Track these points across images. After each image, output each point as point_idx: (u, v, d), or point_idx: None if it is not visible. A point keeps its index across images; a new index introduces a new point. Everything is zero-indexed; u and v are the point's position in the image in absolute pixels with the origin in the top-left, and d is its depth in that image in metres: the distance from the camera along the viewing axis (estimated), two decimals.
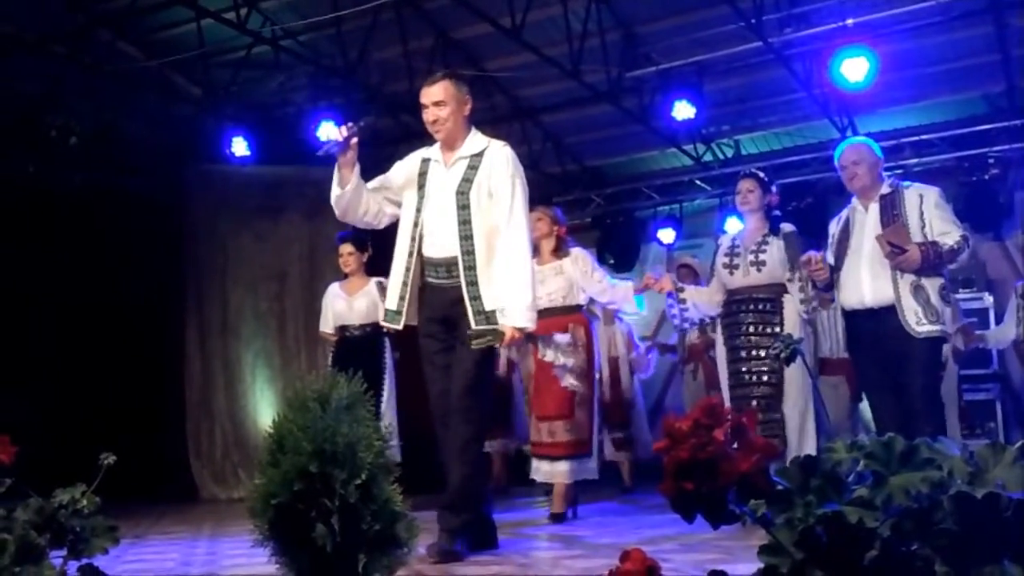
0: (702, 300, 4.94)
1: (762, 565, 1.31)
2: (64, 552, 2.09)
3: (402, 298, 3.78)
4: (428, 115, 3.83)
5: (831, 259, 4.32)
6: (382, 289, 5.71)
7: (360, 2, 6.62)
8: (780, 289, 4.67)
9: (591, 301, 5.41)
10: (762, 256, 4.67)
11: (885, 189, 4.24)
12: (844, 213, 4.43)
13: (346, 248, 5.91)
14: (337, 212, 3.96)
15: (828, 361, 6.73)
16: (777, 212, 4.87)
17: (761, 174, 4.98)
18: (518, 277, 3.72)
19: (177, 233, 8.49)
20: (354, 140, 3.72)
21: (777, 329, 4.61)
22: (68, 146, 7.64)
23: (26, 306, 7.38)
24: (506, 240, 3.73)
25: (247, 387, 8.28)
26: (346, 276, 6.01)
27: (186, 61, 7.49)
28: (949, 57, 7.51)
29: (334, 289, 6.05)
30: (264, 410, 8.00)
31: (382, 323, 3.96)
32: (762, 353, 4.60)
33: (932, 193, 4.19)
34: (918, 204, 4.13)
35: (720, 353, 4.87)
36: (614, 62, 7.59)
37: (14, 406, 5.88)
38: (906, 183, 4.31)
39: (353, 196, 3.85)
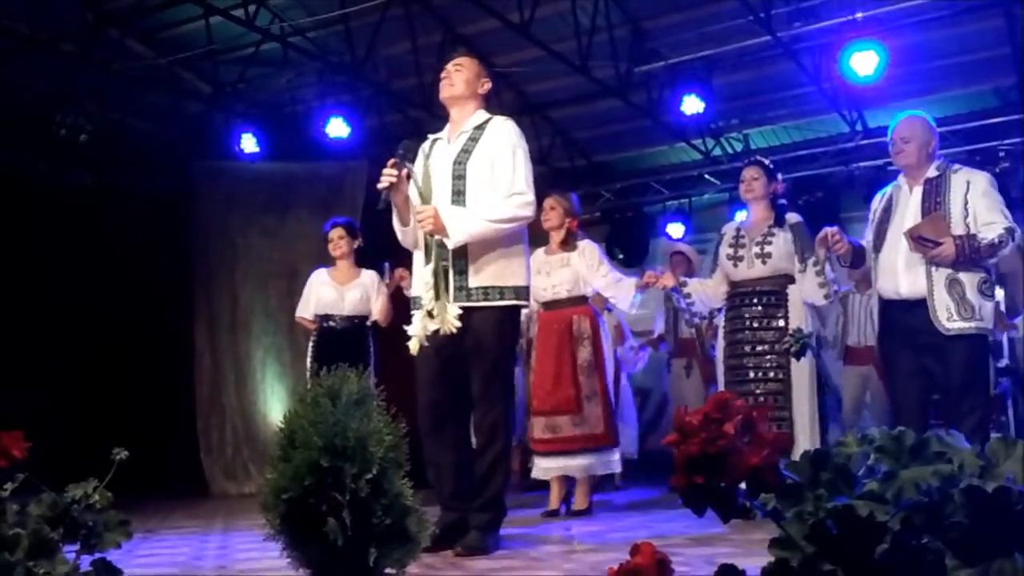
0: (707, 293, 4.84)
1: (772, 559, 1.32)
2: (77, 547, 2.10)
3: (426, 282, 3.61)
4: (444, 74, 3.81)
5: (870, 237, 4.15)
6: (375, 282, 5.62)
7: None
8: (785, 281, 4.58)
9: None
10: (767, 248, 4.57)
11: (932, 172, 4.02)
12: (888, 190, 4.20)
13: (337, 232, 5.69)
14: (411, 248, 3.84)
15: (854, 350, 6.70)
16: (783, 201, 4.75)
17: (766, 161, 4.89)
18: (491, 209, 3.55)
19: (186, 230, 8.51)
20: (404, 173, 3.62)
21: (781, 323, 4.51)
22: (78, 144, 7.67)
23: (36, 303, 7.41)
24: (505, 195, 3.60)
25: (257, 383, 8.31)
26: (333, 263, 5.75)
27: (195, 58, 7.51)
28: (959, 50, 7.48)
29: (321, 275, 5.76)
30: (274, 406, 8.03)
31: (413, 310, 3.71)
32: (767, 347, 4.50)
33: (981, 179, 3.96)
34: (964, 191, 3.91)
35: (719, 347, 4.77)
36: (622, 57, 7.58)
37: (26, 402, 5.93)
38: (956, 166, 4.09)
39: (417, 228, 3.70)
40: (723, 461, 1.26)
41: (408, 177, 3.65)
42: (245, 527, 4.81)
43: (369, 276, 5.70)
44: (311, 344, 5.79)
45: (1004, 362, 7.61)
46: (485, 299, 3.57)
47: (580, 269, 5.11)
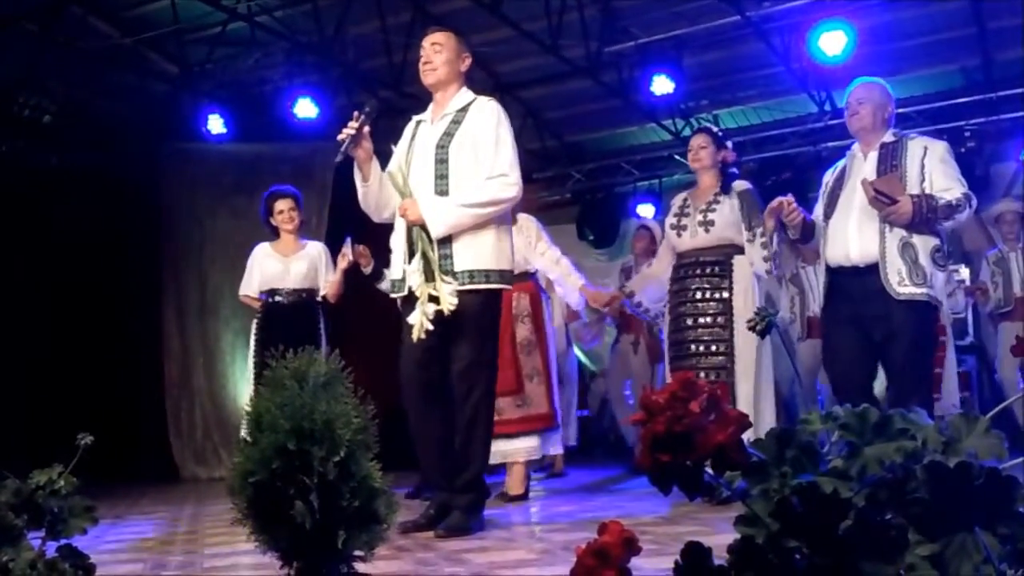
0: (652, 282, 4.73)
1: (738, 536, 1.32)
2: (42, 533, 2.08)
3: (415, 269, 3.59)
4: (423, 57, 3.76)
5: (820, 210, 3.98)
6: (323, 255, 5.40)
7: None
8: (730, 250, 4.39)
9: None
10: (711, 216, 4.39)
11: (888, 138, 3.90)
12: (842, 161, 4.07)
13: (287, 203, 5.36)
14: (372, 213, 3.77)
15: (815, 320, 6.72)
16: (734, 170, 4.56)
17: (715, 129, 4.74)
18: (472, 194, 3.54)
19: (154, 212, 8.42)
20: (366, 130, 3.59)
21: (725, 294, 4.32)
22: (42, 125, 7.56)
23: (0, 285, 7.31)
24: (487, 177, 3.59)
25: (227, 366, 8.26)
26: (276, 236, 5.45)
27: (161, 38, 7.41)
28: (926, 30, 7.53)
29: (264, 249, 5.45)
30: (244, 389, 7.95)
31: (391, 295, 3.74)
32: (708, 320, 4.32)
33: (938, 146, 3.85)
34: (920, 156, 3.78)
35: (665, 321, 4.61)
36: (593, 37, 7.56)
37: None
38: (912, 134, 3.99)
39: (380, 190, 3.67)
40: (689, 439, 1.26)
41: (371, 133, 3.62)
42: (215, 512, 4.79)
43: (316, 248, 5.46)
44: (255, 323, 5.52)
45: (969, 339, 7.71)
46: (471, 281, 3.55)
47: (518, 244, 4.87)
